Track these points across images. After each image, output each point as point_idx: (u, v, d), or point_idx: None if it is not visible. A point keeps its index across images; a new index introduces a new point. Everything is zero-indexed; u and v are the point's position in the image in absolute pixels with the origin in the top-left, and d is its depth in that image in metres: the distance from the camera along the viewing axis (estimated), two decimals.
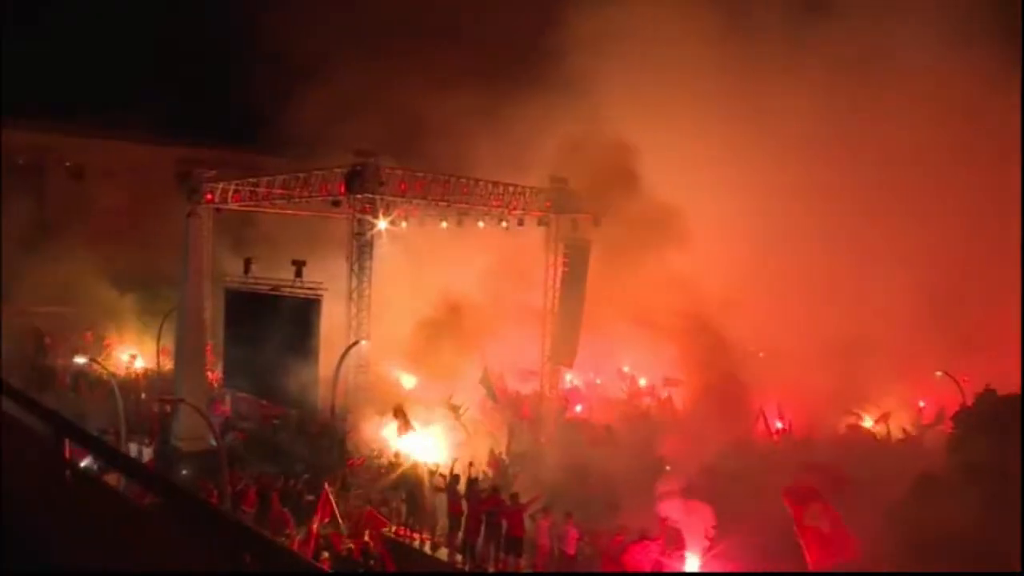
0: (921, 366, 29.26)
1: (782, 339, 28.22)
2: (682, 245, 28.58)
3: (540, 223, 30.33)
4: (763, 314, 28.26)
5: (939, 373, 28.92)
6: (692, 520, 17.39)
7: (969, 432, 20.54)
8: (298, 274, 28.03)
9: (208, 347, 32.02)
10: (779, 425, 28.77)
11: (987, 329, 27.52)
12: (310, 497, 22.04)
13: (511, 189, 28.96)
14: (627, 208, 28.68)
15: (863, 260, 28.60)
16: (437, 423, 24.50)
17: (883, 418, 29.16)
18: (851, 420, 29.52)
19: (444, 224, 29.79)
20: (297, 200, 29.06)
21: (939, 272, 27.55)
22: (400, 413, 23.38)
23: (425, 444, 23.52)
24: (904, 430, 28.80)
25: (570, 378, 33.73)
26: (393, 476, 22.67)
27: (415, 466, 22.43)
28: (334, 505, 20.36)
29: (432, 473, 21.65)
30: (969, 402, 24.17)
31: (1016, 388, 20.57)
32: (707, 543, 17.36)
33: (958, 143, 27.51)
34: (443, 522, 21.19)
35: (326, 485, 20.91)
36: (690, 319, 28.59)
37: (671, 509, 17.72)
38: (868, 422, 29.70)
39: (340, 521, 20.52)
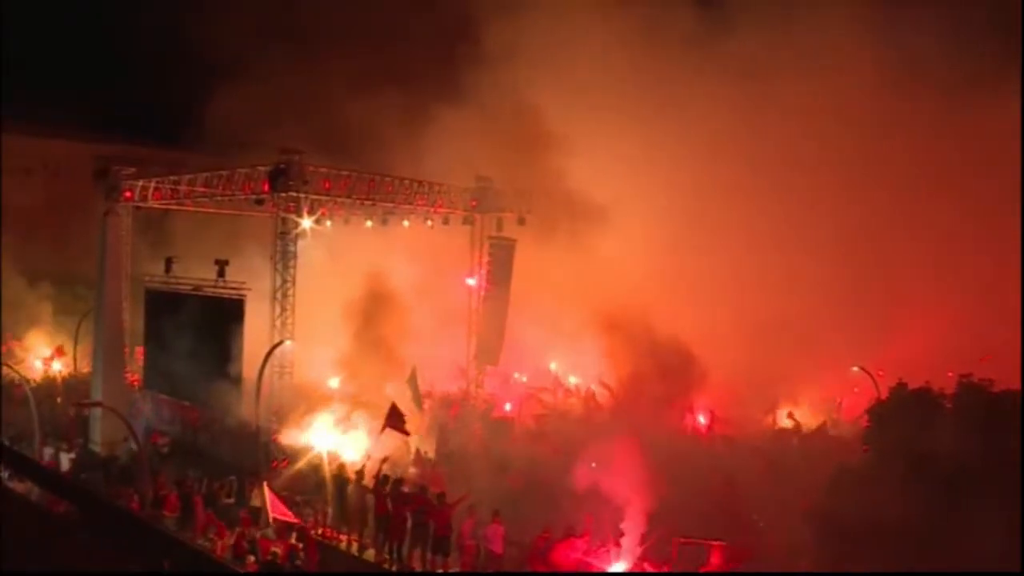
0: (838, 361, 30.04)
1: (706, 335, 28.68)
2: (608, 243, 28.91)
3: (465, 222, 30.40)
4: (688, 311, 28.69)
5: (855, 368, 29.70)
6: (619, 518, 17.59)
7: (882, 424, 21.15)
8: (221, 274, 27.62)
9: (126, 349, 31.35)
10: (703, 421, 29.24)
11: (902, 323, 28.37)
12: (229, 500, 21.74)
13: (436, 188, 28.98)
14: (552, 207, 28.92)
15: (785, 257, 29.21)
16: (364, 423, 24.34)
17: (791, 415, 29.93)
18: (771, 415, 30.12)
19: (369, 223, 29.64)
20: (220, 198, 28.67)
21: (855, 270, 28.35)
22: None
23: (352, 444, 23.39)
24: (822, 423, 29.48)
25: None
26: (319, 477, 22.44)
27: (342, 467, 22.28)
28: (269, 505, 20.14)
29: (359, 474, 21.52)
30: (883, 395, 24.86)
31: (924, 380, 21.27)
32: (636, 541, 17.57)
33: (874, 139, 28.31)
34: (370, 523, 21.07)
35: (266, 485, 20.65)
36: (617, 316, 28.92)
37: (599, 507, 17.92)
38: (787, 416, 30.35)
39: (263, 523, 20.30)
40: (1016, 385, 19.96)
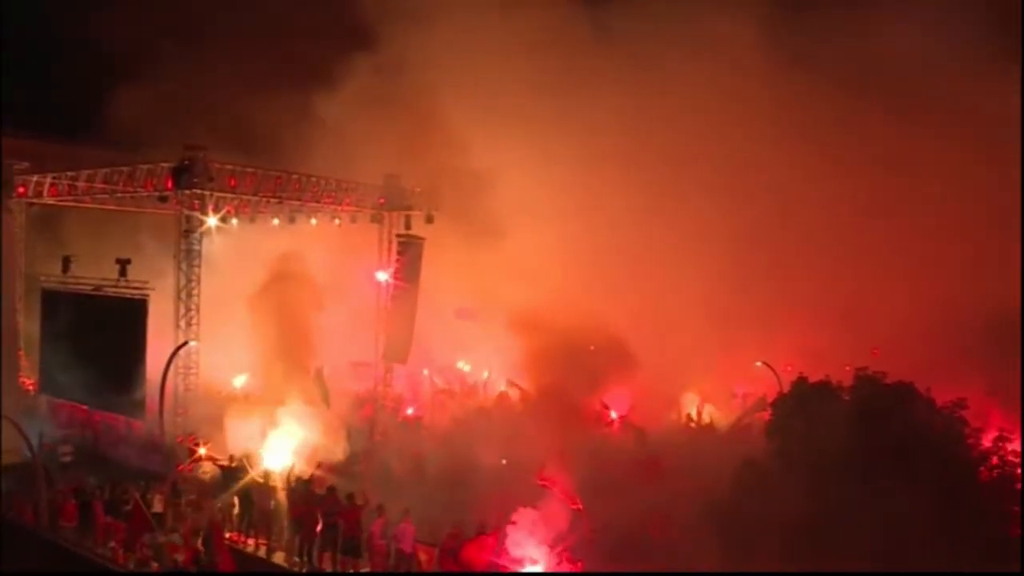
0: (744, 356, 30.83)
1: (616, 331, 29.10)
2: (516, 241, 29.09)
3: (373, 220, 30.26)
4: (596, 308, 29.06)
5: (759, 363, 30.48)
6: (533, 516, 17.74)
7: (784, 418, 21.77)
8: (122, 273, 26.89)
9: (20, 352, 30.31)
10: (614, 416, 29.65)
11: (803, 317, 29.25)
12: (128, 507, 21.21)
13: (343, 185, 28.77)
14: (462, 204, 28.99)
15: (690, 254, 29.81)
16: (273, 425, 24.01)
17: (690, 415, 30.61)
18: (677, 411, 30.72)
19: (276, 221, 29.24)
20: (121, 195, 27.91)
21: (759, 267, 29.12)
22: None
23: (261, 446, 23.05)
24: (728, 419, 30.20)
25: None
26: (227, 479, 22.04)
27: (250, 469, 21.94)
28: (146, 512, 19.72)
29: (268, 475, 21.24)
30: (786, 389, 25.60)
31: (825, 374, 21.99)
32: (549, 539, 17.74)
33: (769, 137, 29.14)
34: (280, 525, 20.81)
35: (135, 493, 20.21)
36: (527, 313, 29.13)
37: (511, 505, 18.04)
38: (688, 414, 31.05)
39: (169, 528, 19.87)
40: (907, 376, 20.81)
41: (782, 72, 28.37)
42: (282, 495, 20.58)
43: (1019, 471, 20.46)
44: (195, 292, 26.06)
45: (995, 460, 20.47)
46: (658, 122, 29.21)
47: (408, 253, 29.72)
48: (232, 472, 21.87)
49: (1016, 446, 21.01)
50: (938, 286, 25.99)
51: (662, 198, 29.09)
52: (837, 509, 18.37)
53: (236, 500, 21.42)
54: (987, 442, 20.68)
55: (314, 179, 28.20)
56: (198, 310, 26.09)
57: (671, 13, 28.98)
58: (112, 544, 19.83)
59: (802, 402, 21.39)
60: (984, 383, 22.41)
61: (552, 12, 30.04)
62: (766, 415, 24.28)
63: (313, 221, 29.59)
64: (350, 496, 19.65)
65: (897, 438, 19.33)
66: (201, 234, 26.12)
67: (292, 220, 29.47)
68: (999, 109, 26.81)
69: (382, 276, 30.65)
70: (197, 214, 25.89)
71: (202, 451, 22.23)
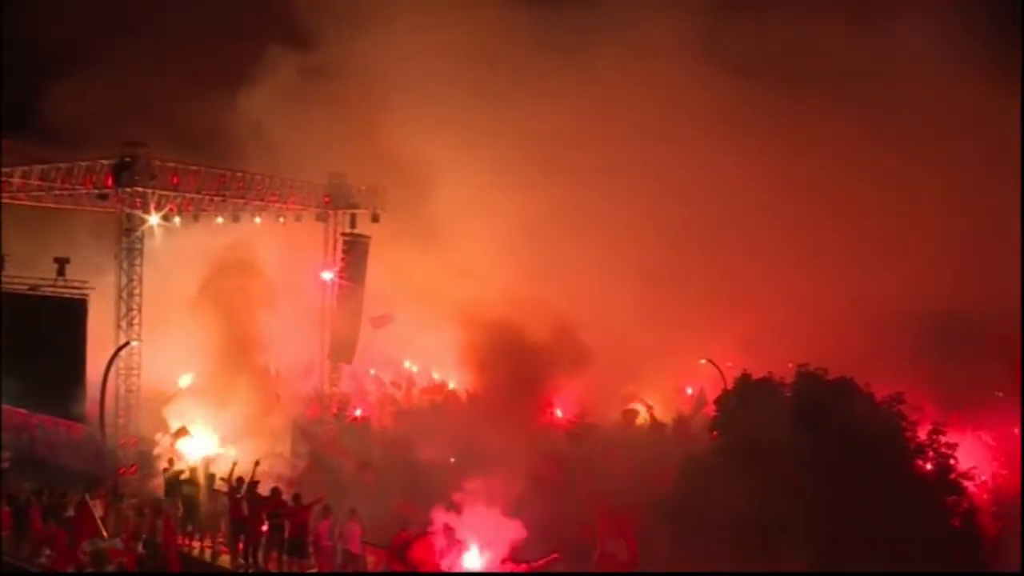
0: (689, 353, 31.22)
1: (562, 328, 29.26)
2: (462, 240, 29.14)
3: (318, 218, 30.07)
4: (543, 306, 29.20)
5: (703, 360, 30.87)
6: (476, 516, 17.79)
7: (727, 415, 22.11)
8: (60, 272, 26.29)
9: None
10: (560, 414, 29.81)
11: (747, 316, 29.72)
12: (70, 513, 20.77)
13: (288, 184, 28.53)
14: (408, 203, 28.96)
15: (637, 254, 30.11)
16: (217, 425, 23.73)
17: (649, 406, 30.90)
18: (625, 408, 30.93)
19: (220, 219, 28.86)
20: (59, 192, 27.31)
21: (704, 267, 29.55)
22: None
23: (205, 447, 22.77)
24: (673, 416, 30.47)
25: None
26: (169, 481, 21.71)
27: (194, 470, 21.67)
28: (94, 516, 19.32)
29: (211, 477, 20.99)
30: (730, 386, 25.98)
31: (767, 370, 22.37)
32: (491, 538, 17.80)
33: (718, 138, 29.59)
34: (224, 527, 20.57)
35: (86, 497, 19.79)
36: (474, 312, 29.17)
37: (457, 504, 18.06)
38: (642, 409, 31.29)
39: (110, 532, 19.51)
40: (847, 372, 21.26)
41: (715, 75, 28.87)
42: (225, 497, 20.32)
43: (953, 462, 21.07)
44: (137, 291, 25.61)
45: (931, 453, 21.05)
46: (600, 125, 29.57)
47: (354, 252, 29.60)
48: (175, 474, 21.55)
49: (949, 438, 21.61)
50: (876, 285, 26.62)
51: (605, 199, 29.40)
52: (780, 503, 18.71)
53: (179, 503, 21.13)
54: (923, 435, 21.25)
55: (259, 177, 27.90)
56: (140, 310, 25.66)
57: (607, 22, 29.38)
58: (49, 552, 19.38)
59: (745, 398, 21.76)
60: (920, 378, 22.97)
61: (496, 18, 30.24)
62: (710, 411, 24.61)
63: (257, 220, 29.25)
64: (296, 497, 19.49)
65: (837, 433, 19.75)
66: (143, 232, 25.69)
67: (236, 219, 29.09)
68: (935, 109, 27.59)
69: (327, 275, 30.47)
70: (139, 212, 25.46)
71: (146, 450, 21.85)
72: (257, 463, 21.44)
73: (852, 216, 28.79)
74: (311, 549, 19.38)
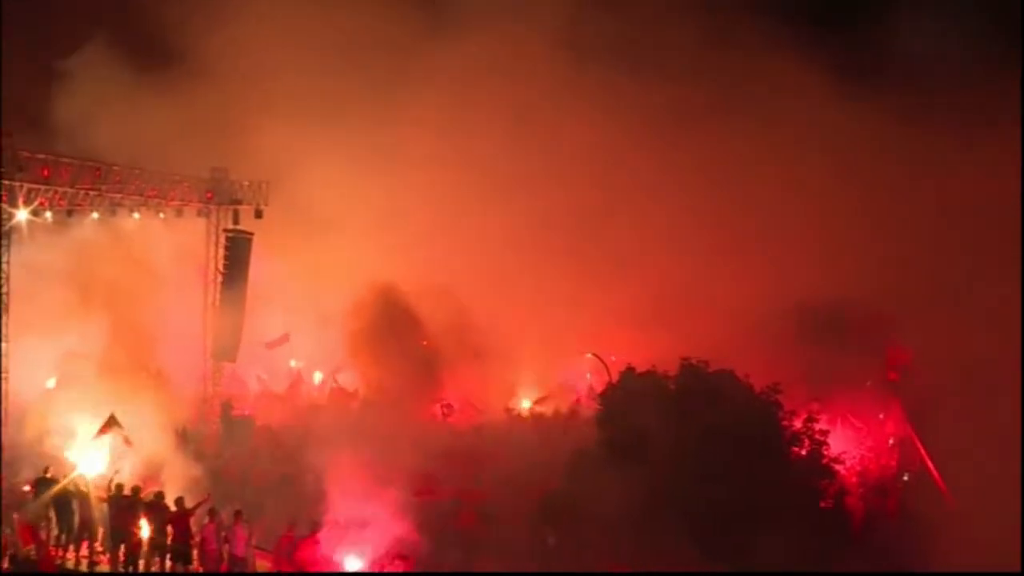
0: (574, 348, 31.68)
1: (450, 326, 29.36)
2: (346, 237, 28.95)
3: (200, 214, 29.32)
4: (431, 303, 29.26)
5: (589, 355, 31.35)
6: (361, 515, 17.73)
7: (612, 408, 22.56)
8: None
9: None
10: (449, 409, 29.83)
11: (633, 311, 30.38)
12: None
13: (168, 178, 27.71)
14: (293, 200, 28.61)
15: (521, 252, 30.42)
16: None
17: (541, 400, 31.25)
18: (511, 404, 31.17)
19: (95, 215, 27.83)
20: None
21: (593, 264, 30.08)
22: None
23: (82, 454, 21.91)
24: (561, 409, 30.86)
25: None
26: (41, 489, 20.78)
27: (73, 480, 20.78)
28: None
29: (88, 483, 20.22)
30: (615, 380, 26.48)
31: (652, 364, 22.93)
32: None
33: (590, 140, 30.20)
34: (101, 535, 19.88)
35: None
36: (361, 310, 29.00)
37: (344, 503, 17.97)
38: (528, 404, 31.63)
39: None
40: (728, 365, 21.99)
41: (594, 75, 29.46)
42: (104, 503, 19.63)
43: (825, 448, 22.12)
44: (4, 291, 24.45)
45: (805, 440, 22.00)
46: (484, 118, 29.81)
47: (236, 249, 28.94)
48: (46, 481, 20.64)
49: (823, 425, 22.65)
50: (752, 280, 27.57)
51: (486, 196, 29.68)
52: (663, 493, 19.22)
53: (52, 511, 20.26)
54: (798, 423, 22.19)
55: (136, 171, 26.99)
56: (7, 310, 24.48)
57: (485, 23, 29.70)
58: None
59: (629, 391, 22.25)
60: (795, 368, 23.94)
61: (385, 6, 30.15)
62: (596, 404, 25.03)
63: (136, 215, 28.32)
64: (179, 500, 19.01)
65: (719, 423, 20.41)
66: (11, 228, 24.53)
67: (113, 213, 28.10)
68: (814, 112, 28.79)
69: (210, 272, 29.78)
70: (5, 206, 24.29)
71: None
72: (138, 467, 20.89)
73: (728, 213, 29.78)
74: (196, 553, 18.92)
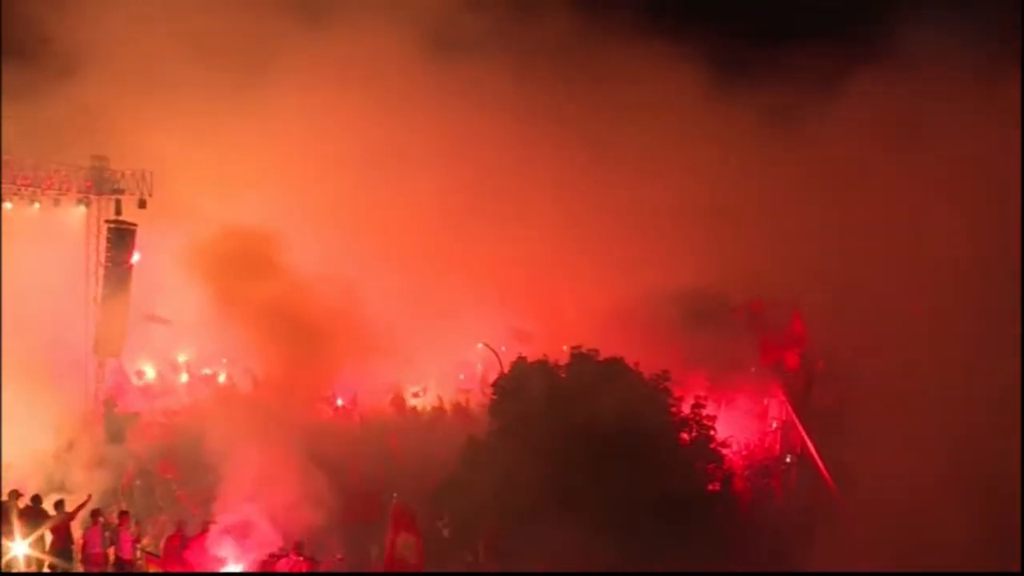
0: (468, 338, 31.76)
1: (343, 318, 29.06)
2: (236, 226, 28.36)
3: (80, 204, 28.30)
4: (323, 295, 28.89)
5: (480, 345, 31.46)
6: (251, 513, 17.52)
7: (504, 398, 22.73)
8: None
9: None
10: (340, 403, 29.58)
11: (525, 301, 30.63)
12: None
13: (43, 166, 26.66)
14: (174, 188, 27.95)
15: (420, 242, 30.35)
16: None
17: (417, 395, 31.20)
18: (397, 394, 31.03)
19: None
20: None
21: (488, 254, 30.20)
22: None
23: None
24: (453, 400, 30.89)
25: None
26: None
27: None
28: None
29: None
30: (507, 369, 26.68)
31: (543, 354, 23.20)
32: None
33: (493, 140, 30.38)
34: None
35: None
36: (253, 302, 28.46)
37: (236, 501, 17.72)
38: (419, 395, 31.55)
39: None
40: (618, 353, 22.40)
41: (498, 72, 29.63)
42: None
43: (712, 433, 22.79)
44: None
45: (693, 425, 22.63)
46: (358, 108, 29.73)
47: (119, 240, 28.01)
48: None
49: (710, 410, 23.33)
50: (645, 272, 28.11)
51: (368, 185, 29.56)
52: (555, 481, 19.49)
53: None
54: (686, 409, 22.79)
55: (7, 158, 25.87)
56: None
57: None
58: None
59: (521, 381, 22.46)
60: (682, 355, 24.54)
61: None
62: (489, 394, 25.17)
63: (8, 205, 27.15)
64: (59, 503, 18.37)
65: (609, 410, 20.78)
66: None
67: None
68: (693, 102, 29.48)
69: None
70: None
71: None
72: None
73: (615, 202, 30.31)
74: (79, 558, 18.32)
